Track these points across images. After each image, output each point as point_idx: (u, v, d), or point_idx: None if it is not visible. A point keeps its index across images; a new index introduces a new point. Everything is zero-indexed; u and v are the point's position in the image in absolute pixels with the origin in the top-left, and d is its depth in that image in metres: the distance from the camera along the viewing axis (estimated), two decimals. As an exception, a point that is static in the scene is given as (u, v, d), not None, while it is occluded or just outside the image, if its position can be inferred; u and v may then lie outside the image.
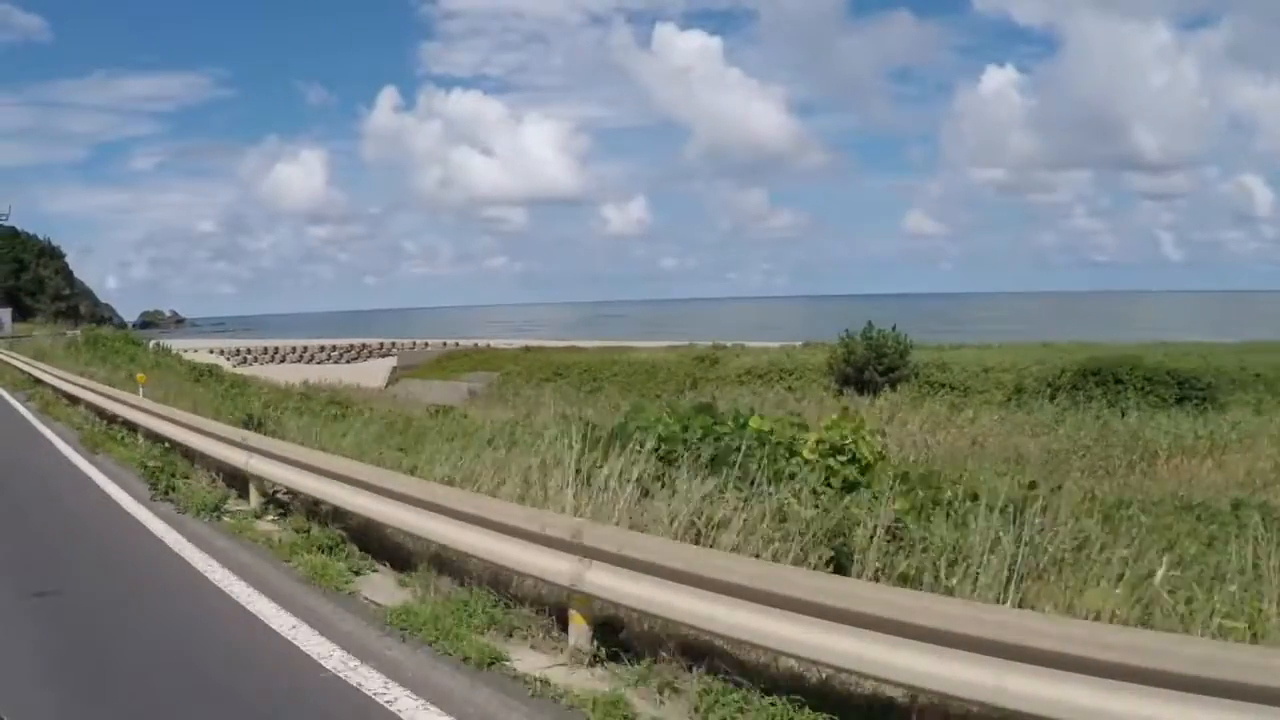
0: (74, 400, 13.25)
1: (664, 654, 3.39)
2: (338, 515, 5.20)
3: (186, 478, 7.04)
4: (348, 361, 62.37)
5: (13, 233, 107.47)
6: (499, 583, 4.13)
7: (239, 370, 42.31)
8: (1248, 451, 16.80)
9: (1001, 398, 25.49)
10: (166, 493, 6.76)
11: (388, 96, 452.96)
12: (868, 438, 5.32)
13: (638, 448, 4.79)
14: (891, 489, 4.66)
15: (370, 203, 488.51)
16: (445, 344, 55.58)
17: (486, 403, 29.43)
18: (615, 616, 3.62)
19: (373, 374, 43.82)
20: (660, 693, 3.23)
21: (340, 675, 3.48)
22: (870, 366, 26.43)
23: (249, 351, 68.61)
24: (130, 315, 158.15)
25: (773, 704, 2.98)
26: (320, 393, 24.34)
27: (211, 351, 66.14)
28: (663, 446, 5.16)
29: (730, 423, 5.61)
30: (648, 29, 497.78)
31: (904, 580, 4.10)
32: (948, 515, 4.73)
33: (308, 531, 5.23)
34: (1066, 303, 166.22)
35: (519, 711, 3.15)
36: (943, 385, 26.64)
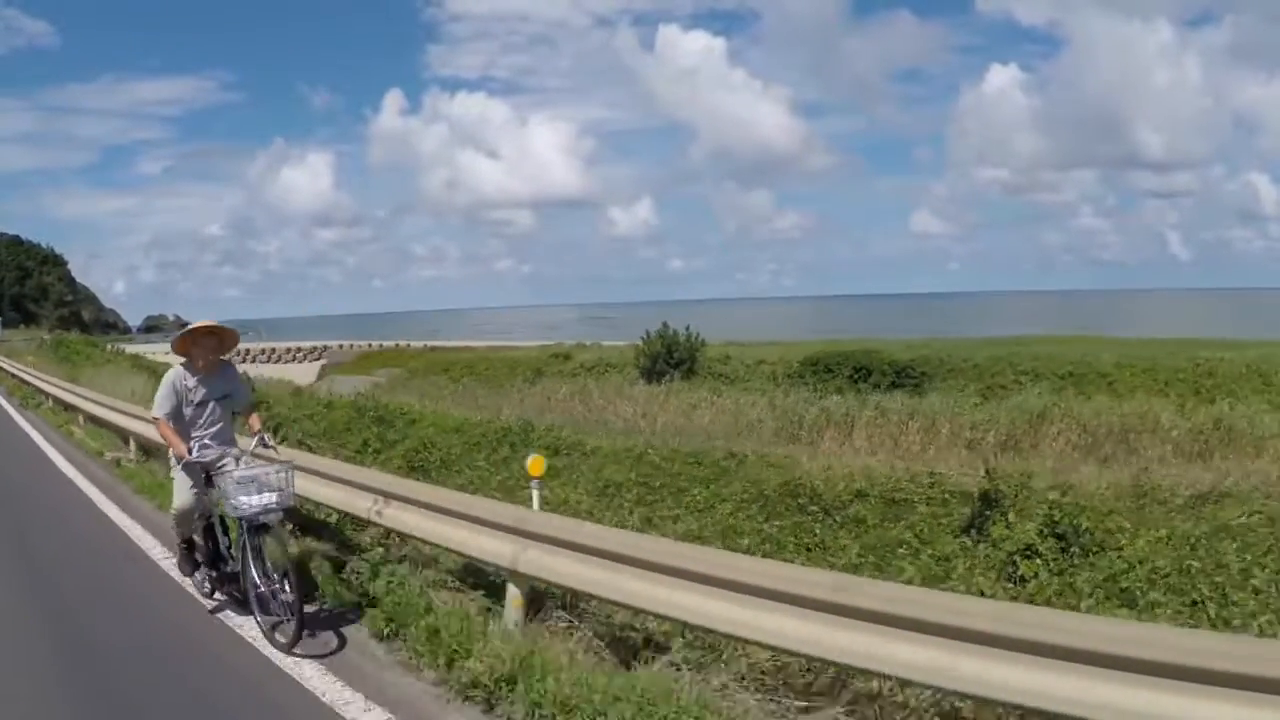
0: (13, 376, 22.34)
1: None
2: (73, 406, 14.00)
3: (34, 398, 16.04)
4: (310, 362, 71.35)
5: (16, 241, 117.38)
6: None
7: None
8: (892, 427, 24.56)
9: (758, 386, 33.69)
10: (25, 406, 15.66)
11: (393, 100, 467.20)
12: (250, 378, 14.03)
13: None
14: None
15: (377, 206, 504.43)
16: (397, 345, 64.77)
17: (374, 389, 38.19)
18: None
19: (310, 372, 53.08)
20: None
21: (32, 439, 12.19)
22: (661, 360, 34.71)
23: (224, 353, 77.80)
24: (136, 320, 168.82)
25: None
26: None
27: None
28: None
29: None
30: (653, 31, 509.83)
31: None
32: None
33: (59, 410, 14.08)
34: (1070, 301, 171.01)
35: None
36: (721, 376, 34.92)
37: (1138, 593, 8.05)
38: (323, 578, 5.67)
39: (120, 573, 6.40)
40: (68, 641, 5.02)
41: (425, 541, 5.62)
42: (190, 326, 5.59)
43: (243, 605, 5.21)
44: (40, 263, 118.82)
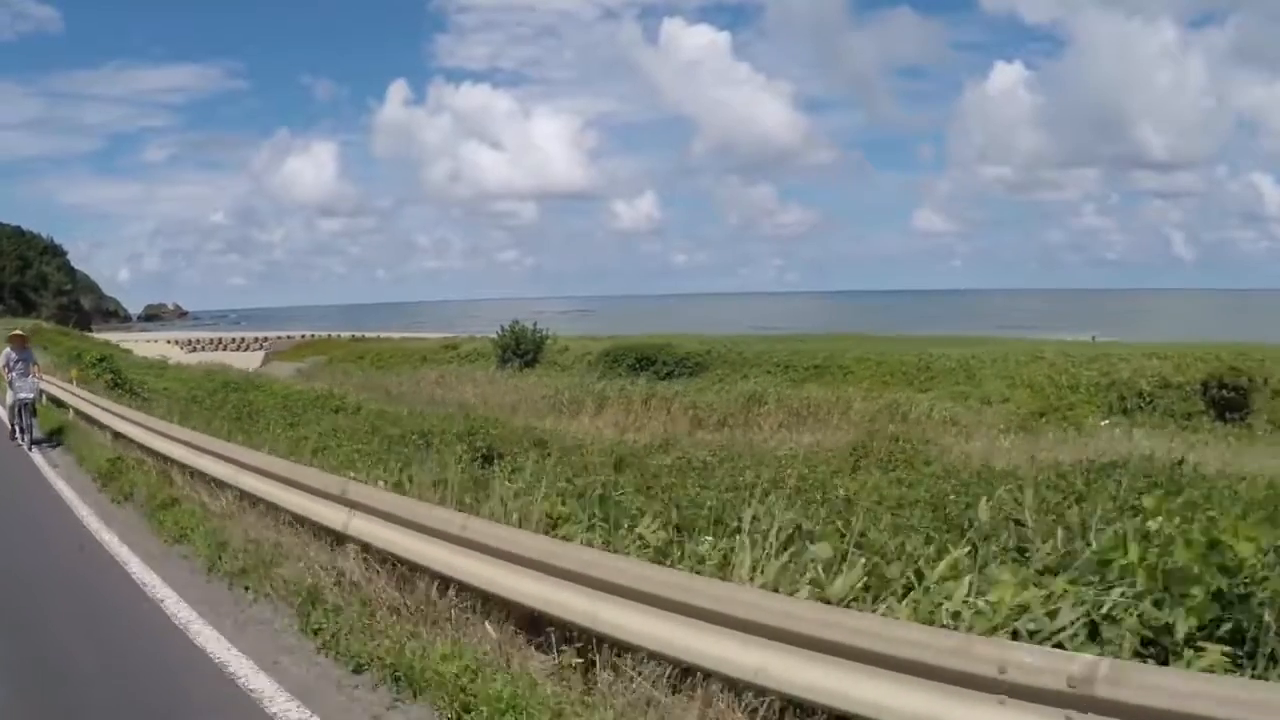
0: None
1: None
2: None
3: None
4: (262, 350, 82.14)
5: (18, 232, 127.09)
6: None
7: (186, 358, 62.05)
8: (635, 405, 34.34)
9: (578, 372, 43.65)
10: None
11: (398, 90, 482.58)
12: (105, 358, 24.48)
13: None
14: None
15: (381, 196, 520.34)
16: (328, 336, 75.69)
17: (297, 373, 48.84)
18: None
19: (257, 359, 63.99)
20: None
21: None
22: (510, 350, 44.75)
23: (198, 342, 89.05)
24: (138, 308, 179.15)
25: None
26: (168, 368, 44.22)
27: (169, 342, 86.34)
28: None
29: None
30: (658, 25, 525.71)
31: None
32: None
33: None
34: (1072, 300, 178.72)
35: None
36: (555, 364, 44.93)
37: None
38: (64, 431, 16.01)
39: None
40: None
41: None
42: (11, 334, 16.05)
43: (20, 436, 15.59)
44: (40, 253, 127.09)
